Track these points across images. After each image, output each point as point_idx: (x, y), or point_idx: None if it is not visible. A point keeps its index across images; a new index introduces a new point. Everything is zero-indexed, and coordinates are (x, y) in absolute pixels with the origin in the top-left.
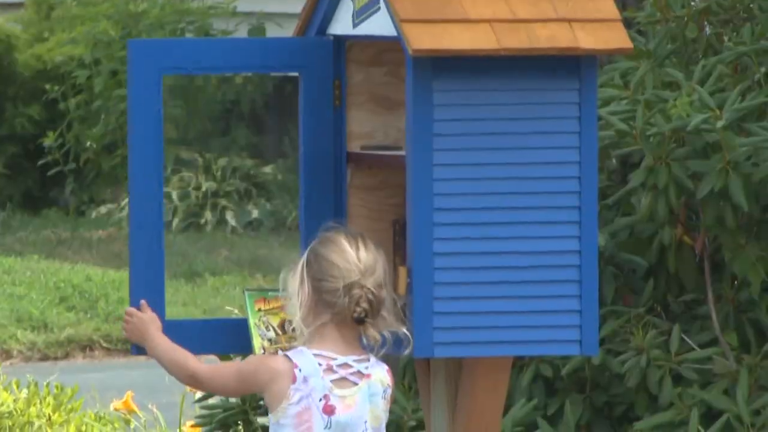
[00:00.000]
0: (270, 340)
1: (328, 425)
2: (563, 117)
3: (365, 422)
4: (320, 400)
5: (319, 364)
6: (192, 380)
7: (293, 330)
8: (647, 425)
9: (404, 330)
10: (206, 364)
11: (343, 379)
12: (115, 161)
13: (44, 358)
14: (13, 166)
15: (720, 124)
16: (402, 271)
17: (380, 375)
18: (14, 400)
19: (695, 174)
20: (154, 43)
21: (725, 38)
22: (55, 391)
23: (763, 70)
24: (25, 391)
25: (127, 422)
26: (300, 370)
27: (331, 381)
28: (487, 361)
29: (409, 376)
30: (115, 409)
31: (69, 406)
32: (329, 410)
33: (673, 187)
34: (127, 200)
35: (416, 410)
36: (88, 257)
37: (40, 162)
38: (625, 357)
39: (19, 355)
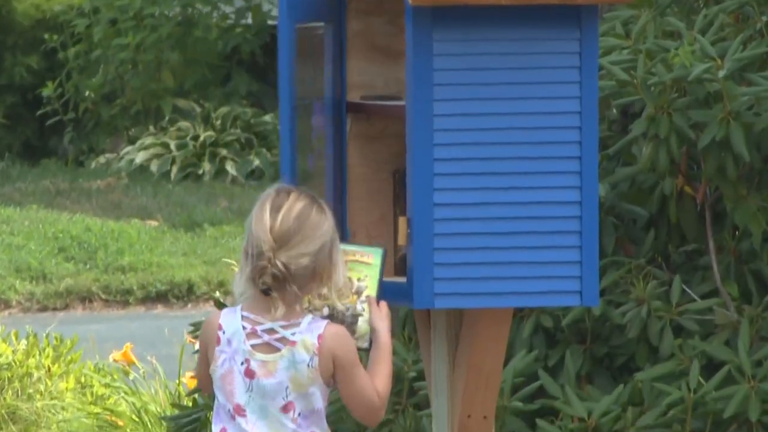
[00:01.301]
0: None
1: (250, 388)
2: (564, 67)
3: (286, 388)
4: (242, 363)
5: (244, 327)
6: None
7: (353, 289)
8: (648, 376)
9: (339, 305)
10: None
11: (267, 344)
12: (115, 111)
13: (43, 309)
14: (12, 116)
15: (721, 73)
16: (402, 222)
17: (308, 342)
18: (13, 352)
19: (696, 124)
20: None
21: None
22: (54, 342)
23: (764, 19)
24: (24, 342)
25: (126, 374)
26: (224, 333)
27: (252, 346)
28: (488, 313)
29: (409, 328)
30: (114, 361)
31: (68, 358)
32: (250, 374)
33: (675, 137)
34: (126, 149)
35: (416, 361)
36: (87, 207)
37: (39, 112)
38: (626, 308)
39: (18, 306)
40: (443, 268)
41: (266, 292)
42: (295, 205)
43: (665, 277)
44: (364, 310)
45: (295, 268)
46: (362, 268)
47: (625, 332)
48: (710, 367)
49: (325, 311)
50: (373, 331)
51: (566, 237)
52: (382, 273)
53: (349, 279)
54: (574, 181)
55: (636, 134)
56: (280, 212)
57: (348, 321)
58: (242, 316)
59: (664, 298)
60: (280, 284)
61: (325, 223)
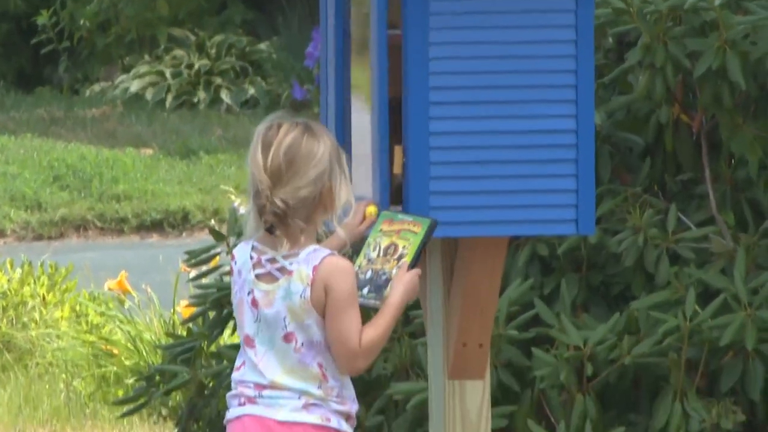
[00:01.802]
0: (369, 259)
1: (258, 319)
2: None
3: (284, 318)
4: (248, 293)
5: (251, 257)
6: None
7: (395, 256)
8: (644, 304)
9: (342, 234)
10: None
11: (268, 274)
12: (109, 39)
13: (38, 237)
14: (7, 45)
15: (717, 1)
16: (398, 151)
17: (303, 273)
18: (8, 281)
19: (692, 52)
20: None
21: None
22: (49, 270)
23: None
24: (18, 271)
25: (121, 302)
26: (236, 263)
27: (256, 276)
28: (484, 241)
29: None
30: (109, 289)
31: (63, 287)
32: (255, 304)
33: (671, 66)
34: (121, 78)
35: None
36: (82, 136)
37: (34, 40)
38: (622, 236)
39: (13, 235)
40: (439, 196)
41: (270, 231)
42: (285, 139)
43: (661, 205)
44: (395, 275)
45: (294, 202)
46: (409, 236)
47: (621, 260)
48: (706, 295)
49: (369, 275)
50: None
51: (562, 165)
52: (423, 243)
53: (396, 246)
54: (570, 109)
55: (632, 63)
56: (270, 149)
57: (380, 283)
58: (252, 247)
59: (660, 226)
60: (282, 220)
61: (319, 150)
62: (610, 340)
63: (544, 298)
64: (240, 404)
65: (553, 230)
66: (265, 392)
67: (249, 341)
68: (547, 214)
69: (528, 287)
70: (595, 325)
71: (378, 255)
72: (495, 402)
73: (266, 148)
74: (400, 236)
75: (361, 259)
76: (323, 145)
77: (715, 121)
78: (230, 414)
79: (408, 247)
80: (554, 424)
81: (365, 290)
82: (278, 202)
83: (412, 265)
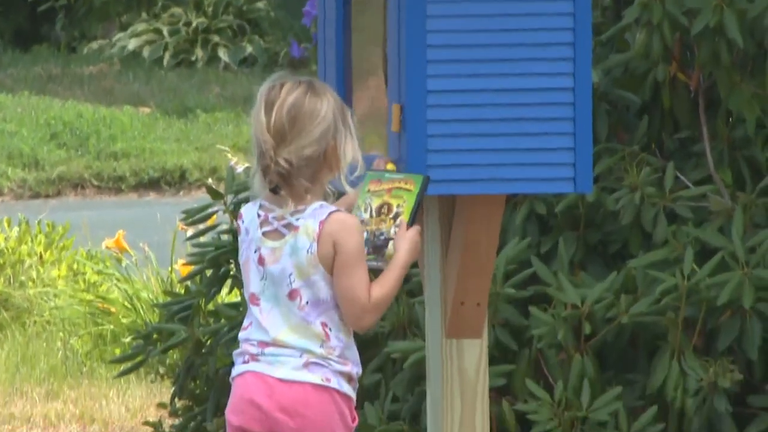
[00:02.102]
0: (362, 221)
1: (263, 276)
2: None
3: (290, 275)
4: (255, 251)
5: (259, 215)
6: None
7: (390, 215)
8: (641, 263)
9: (352, 192)
10: None
11: (275, 230)
12: None
13: (35, 196)
14: (3, 2)
15: None
16: (395, 109)
17: (309, 228)
18: (5, 239)
19: (690, 10)
20: None
21: None
22: (46, 229)
23: None
24: (16, 229)
25: (119, 260)
26: (243, 222)
27: (263, 233)
28: (481, 199)
29: None
30: (107, 248)
31: (60, 245)
32: (261, 262)
33: (668, 23)
34: (118, 36)
35: None
36: (79, 94)
37: None
38: (619, 194)
39: (10, 193)
40: (436, 154)
41: (275, 191)
42: (288, 98)
43: (659, 163)
44: (395, 234)
45: (298, 162)
46: (403, 194)
47: (618, 219)
48: (704, 253)
49: (365, 236)
50: (394, 250)
51: (559, 124)
52: (418, 199)
53: (389, 205)
54: (567, 67)
55: (629, 21)
56: (273, 109)
57: (379, 243)
58: (260, 206)
59: (658, 184)
60: (286, 180)
61: (322, 108)
62: (607, 299)
63: (541, 257)
64: (244, 362)
65: (550, 188)
66: (268, 350)
67: (254, 299)
68: (545, 172)
69: (525, 246)
70: (593, 284)
71: (371, 216)
72: (492, 361)
73: (269, 108)
74: (392, 195)
75: None
76: (326, 103)
77: (713, 79)
78: (234, 371)
79: (403, 205)
80: (552, 383)
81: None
82: (282, 162)
83: (411, 223)
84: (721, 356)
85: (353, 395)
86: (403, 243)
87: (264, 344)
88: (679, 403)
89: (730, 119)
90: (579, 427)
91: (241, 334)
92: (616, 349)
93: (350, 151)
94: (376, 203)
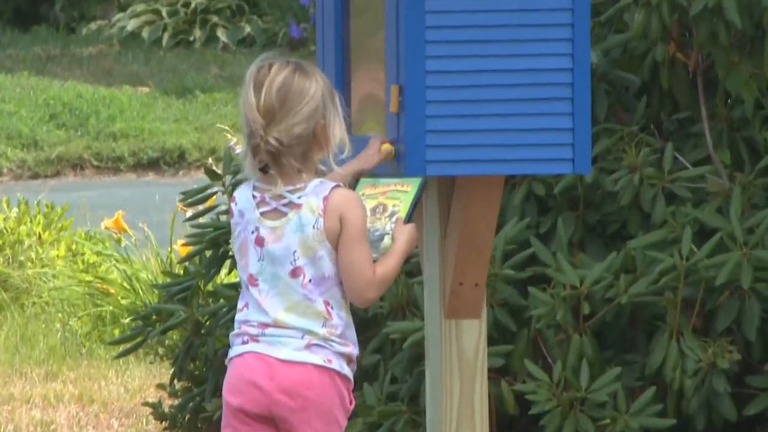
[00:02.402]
0: None
1: (261, 257)
2: None
3: (294, 252)
4: (252, 232)
5: (254, 197)
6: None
7: (386, 214)
8: (640, 243)
9: (340, 171)
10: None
11: (275, 210)
12: None
13: (34, 176)
14: None
15: None
16: (394, 90)
17: (313, 204)
18: (4, 219)
19: None
20: None
21: None
22: (45, 209)
23: None
24: (15, 209)
25: (118, 241)
26: (236, 205)
27: (261, 213)
28: (480, 180)
29: None
30: (106, 228)
31: (59, 225)
32: (260, 242)
33: (666, 4)
34: (118, 16)
35: None
36: (78, 74)
37: None
38: (618, 175)
39: (9, 173)
40: (435, 135)
41: (264, 170)
42: (277, 78)
43: (657, 144)
44: (391, 229)
45: (288, 140)
46: (399, 195)
47: (617, 199)
48: (702, 234)
49: None
50: (392, 240)
51: (558, 104)
52: (416, 199)
53: (384, 205)
54: (566, 48)
55: (628, 1)
56: (263, 88)
57: (374, 239)
58: (254, 187)
59: (657, 165)
60: (276, 159)
61: (311, 87)
62: (606, 280)
63: (540, 237)
64: (243, 342)
65: (549, 169)
66: (268, 330)
67: (253, 280)
68: (544, 153)
69: (524, 226)
70: (592, 264)
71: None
72: (491, 341)
73: (258, 87)
74: (388, 197)
75: None
76: (315, 83)
77: (711, 60)
78: (232, 352)
79: (399, 204)
80: (551, 363)
81: None
82: (272, 141)
83: (407, 220)
84: (719, 337)
85: (352, 377)
86: (402, 234)
87: (264, 325)
88: (677, 383)
89: (729, 100)
90: (578, 408)
91: (238, 316)
92: (615, 329)
93: (339, 131)
94: (370, 204)
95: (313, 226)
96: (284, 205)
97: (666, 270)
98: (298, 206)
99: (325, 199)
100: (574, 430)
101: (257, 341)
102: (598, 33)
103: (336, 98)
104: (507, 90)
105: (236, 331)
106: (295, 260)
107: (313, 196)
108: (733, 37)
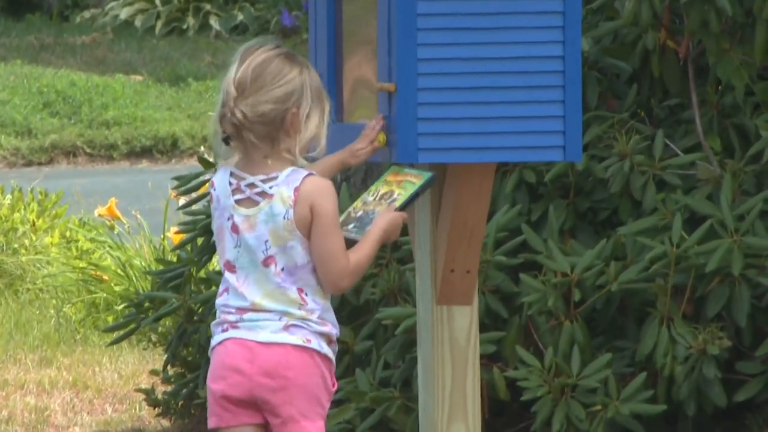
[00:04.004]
0: (365, 202)
1: (238, 244)
2: None
3: (266, 242)
4: (228, 219)
5: (230, 183)
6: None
7: (389, 200)
8: (631, 230)
9: (303, 162)
10: None
11: (248, 198)
12: None
13: (28, 163)
14: None
15: None
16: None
17: (284, 195)
18: None
19: None
20: None
21: None
22: (39, 196)
23: None
24: (9, 197)
25: (111, 228)
26: (215, 190)
27: (236, 201)
28: (471, 168)
29: None
30: (99, 215)
31: (53, 212)
32: (235, 229)
33: None
34: (111, 5)
35: None
36: (71, 62)
37: None
38: (609, 162)
39: (3, 161)
40: (427, 122)
41: (226, 141)
42: (259, 56)
43: (648, 131)
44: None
45: (252, 116)
46: (407, 186)
47: (607, 186)
48: (693, 221)
49: (359, 214)
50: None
51: (549, 92)
52: (416, 192)
53: (392, 192)
54: (557, 35)
55: None
56: (243, 64)
57: (367, 221)
58: (231, 173)
59: (647, 152)
60: (238, 132)
61: (290, 73)
62: (597, 266)
63: (531, 225)
64: (223, 330)
65: (540, 156)
66: (246, 315)
67: (230, 266)
68: (535, 140)
69: (516, 213)
70: (583, 251)
71: (374, 199)
72: (483, 328)
73: (241, 63)
74: (401, 186)
75: (357, 203)
76: (297, 72)
77: (702, 47)
78: (213, 341)
79: (402, 193)
80: (542, 349)
81: (350, 226)
82: (237, 113)
83: (400, 209)
84: (710, 323)
85: (333, 358)
86: (381, 220)
87: (242, 310)
88: (668, 369)
89: (720, 87)
90: (569, 394)
91: (218, 300)
92: (606, 316)
93: (314, 127)
94: (384, 190)
95: (284, 217)
96: (257, 194)
97: (656, 257)
98: (270, 196)
99: (296, 189)
100: (565, 416)
101: (237, 327)
102: (590, 21)
103: (323, 98)
104: (498, 77)
105: (216, 320)
106: (266, 249)
107: (285, 186)
108: (723, 24)
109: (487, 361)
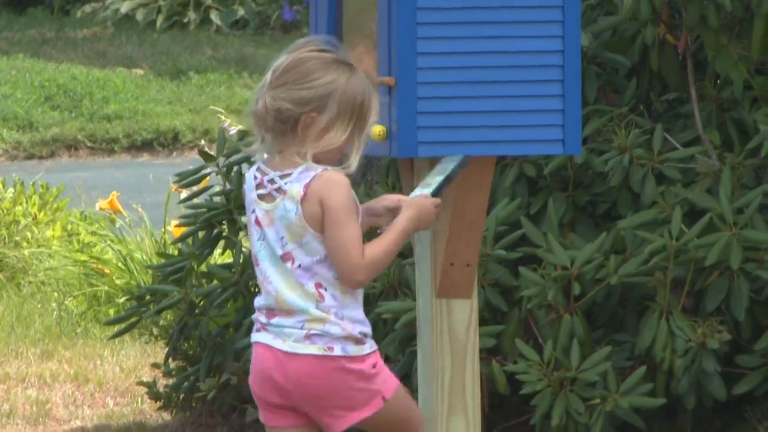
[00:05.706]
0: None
1: (261, 237)
2: None
3: (282, 238)
4: (252, 212)
5: (255, 178)
6: None
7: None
8: (630, 223)
9: (308, 161)
10: None
11: (269, 194)
12: None
13: (29, 157)
14: None
15: None
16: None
17: (294, 191)
18: (0, 199)
19: None
20: None
21: None
22: (40, 190)
23: None
24: (11, 190)
25: (113, 221)
26: (246, 184)
27: (258, 195)
28: (471, 161)
29: (393, 176)
30: (101, 209)
31: (55, 205)
32: (258, 223)
33: None
34: None
35: None
36: (73, 56)
37: None
38: (608, 156)
39: (5, 155)
40: (426, 116)
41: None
42: (302, 53)
43: (647, 125)
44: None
45: (270, 108)
46: (440, 170)
47: (607, 180)
48: (692, 214)
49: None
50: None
51: (549, 86)
52: (449, 175)
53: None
54: (556, 30)
55: None
56: (289, 56)
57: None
58: (258, 168)
59: (646, 146)
60: (260, 122)
61: (324, 79)
62: (596, 260)
63: (531, 218)
64: (257, 330)
65: (539, 150)
66: (274, 320)
67: (256, 260)
68: (534, 134)
69: (515, 207)
70: (582, 245)
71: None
72: (482, 321)
73: (287, 55)
74: (433, 173)
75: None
76: (330, 79)
77: (701, 41)
78: (251, 337)
79: (435, 179)
80: (542, 343)
81: None
82: (260, 102)
83: (434, 194)
84: (709, 316)
85: (366, 350)
86: (408, 209)
87: (271, 313)
88: (667, 363)
89: (718, 81)
90: (568, 387)
91: (256, 299)
92: (605, 309)
93: (335, 139)
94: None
95: (295, 213)
96: (275, 190)
97: (656, 250)
98: (284, 193)
99: (306, 186)
100: (564, 410)
101: (267, 331)
102: (589, 15)
103: (362, 115)
104: (498, 72)
105: (255, 314)
106: (284, 245)
107: (297, 184)
108: (722, 18)
109: (487, 354)
